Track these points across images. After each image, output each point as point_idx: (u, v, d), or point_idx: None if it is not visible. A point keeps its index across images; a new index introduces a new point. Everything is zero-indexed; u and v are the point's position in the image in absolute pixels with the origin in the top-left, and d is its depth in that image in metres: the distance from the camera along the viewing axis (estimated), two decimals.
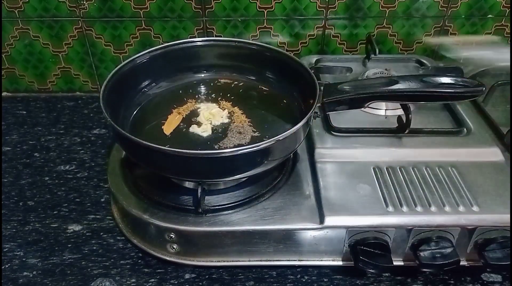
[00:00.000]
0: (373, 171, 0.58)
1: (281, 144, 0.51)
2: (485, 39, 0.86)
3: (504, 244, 0.52)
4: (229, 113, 0.63)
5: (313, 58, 0.82)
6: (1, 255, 0.57)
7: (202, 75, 0.71)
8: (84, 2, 0.80)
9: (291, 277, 0.56)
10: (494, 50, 0.87)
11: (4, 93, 0.91)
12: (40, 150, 0.75)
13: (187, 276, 0.56)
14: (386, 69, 0.73)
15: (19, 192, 0.67)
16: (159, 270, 0.56)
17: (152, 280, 0.55)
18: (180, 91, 0.68)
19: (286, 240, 0.54)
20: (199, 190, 0.52)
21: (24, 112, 0.85)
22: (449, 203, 0.54)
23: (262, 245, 0.54)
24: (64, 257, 0.57)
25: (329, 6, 0.81)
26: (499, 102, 0.72)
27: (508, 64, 0.75)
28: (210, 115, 0.62)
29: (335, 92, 0.56)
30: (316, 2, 0.81)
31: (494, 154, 0.61)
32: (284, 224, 0.53)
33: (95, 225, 0.62)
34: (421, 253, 0.52)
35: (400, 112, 0.65)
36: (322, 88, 0.56)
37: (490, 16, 0.83)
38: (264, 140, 0.49)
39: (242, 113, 0.63)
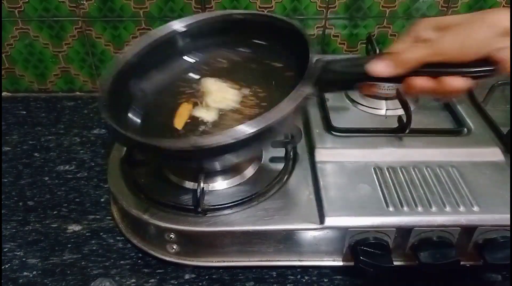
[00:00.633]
0: (373, 171, 0.58)
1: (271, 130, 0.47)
2: None
3: (504, 244, 0.52)
4: (237, 93, 0.59)
5: (313, 58, 0.81)
6: (1, 255, 0.57)
7: (193, 57, 0.65)
8: (84, 2, 0.80)
9: (291, 277, 0.55)
10: None
11: (4, 93, 0.91)
12: (40, 150, 0.75)
13: (187, 276, 0.56)
14: None
15: (19, 192, 0.67)
16: (159, 270, 0.56)
17: (152, 280, 0.55)
18: (177, 80, 0.63)
19: (286, 240, 0.54)
20: (199, 190, 0.52)
21: (24, 112, 0.85)
22: (449, 203, 0.54)
23: (262, 245, 0.54)
24: (64, 257, 0.57)
25: (329, 6, 0.81)
26: (499, 102, 0.72)
27: None
28: (220, 98, 0.58)
29: (328, 72, 0.50)
30: (316, 2, 0.81)
31: (494, 154, 0.61)
32: (284, 224, 0.53)
33: (95, 225, 0.62)
34: (421, 253, 0.52)
35: (401, 112, 0.65)
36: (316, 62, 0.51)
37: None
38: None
39: (249, 93, 0.59)
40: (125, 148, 0.64)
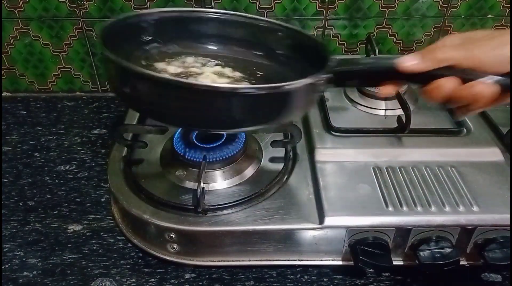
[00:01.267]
0: (373, 171, 0.58)
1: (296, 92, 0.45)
2: None
3: (504, 244, 0.52)
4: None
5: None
6: (1, 255, 0.57)
7: (209, 46, 0.64)
8: (84, 2, 0.80)
9: (291, 276, 0.56)
10: None
11: (4, 93, 0.91)
12: (40, 150, 0.75)
13: (187, 275, 0.56)
14: None
15: (19, 192, 0.67)
16: (159, 270, 0.56)
17: (152, 280, 0.55)
18: (186, 58, 0.62)
19: (286, 240, 0.54)
20: (199, 190, 0.53)
21: (24, 112, 0.85)
22: (449, 203, 0.54)
23: (262, 245, 0.54)
24: (64, 257, 0.57)
25: (329, 6, 0.81)
26: None
27: None
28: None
29: (349, 63, 0.49)
30: (316, 2, 0.81)
31: (494, 154, 0.61)
32: (284, 224, 0.53)
33: (95, 225, 0.62)
34: (421, 253, 0.52)
35: (400, 112, 0.65)
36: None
37: (490, 16, 0.83)
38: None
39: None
40: (125, 148, 0.64)
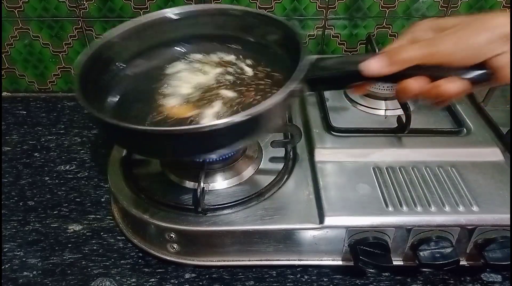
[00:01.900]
0: (373, 171, 0.58)
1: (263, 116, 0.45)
2: None
3: (504, 244, 0.52)
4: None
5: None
6: (1, 255, 0.57)
7: (179, 48, 0.64)
8: (84, 2, 0.80)
9: (291, 276, 0.56)
10: None
11: (4, 93, 0.91)
12: (40, 150, 0.75)
13: (187, 275, 0.56)
14: None
15: (19, 192, 0.67)
16: (159, 270, 0.56)
17: (152, 279, 0.55)
18: (159, 69, 0.61)
19: (286, 240, 0.54)
20: (199, 190, 0.53)
21: (24, 112, 0.85)
22: (449, 203, 0.54)
23: (262, 245, 0.54)
24: (64, 257, 0.57)
25: (329, 6, 0.81)
26: (499, 102, 0.72)
27: None
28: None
29: (318, 69, 0.49)
30: (316, 2, 0.81)
31: (494, 154, 0.61)
32: (284, 224, 0.53)
33: (95, 225, 0.62)
34: (421, 253, 0.52)
35: (400, 112, 0.65)
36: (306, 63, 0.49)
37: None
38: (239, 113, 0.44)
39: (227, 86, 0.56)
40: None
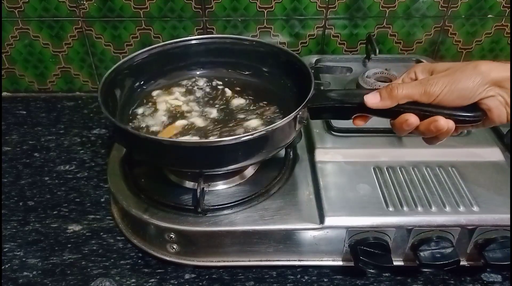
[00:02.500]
0: (373, 171, 0.58)
1: (269, 136, 0.51)
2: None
3: (504, 244, 0.52)
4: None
5: (313, 58, 0.82)
6: (1, 255, 0.57)
7: (198, 72, 0.70)
8: (84, 2, 0.80)
9: (291, 277, 0.56)
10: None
11: (4, 93, 0.91)
12: (40, 150, 0.75)
13: (187, 276, 0.56)
14: (386, 69, 0.73)
15: (19, 192, 0.67)
16: (159, 270, 0.56)
17: (152, 280, 0.55)
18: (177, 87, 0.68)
19: (286, 240, 0.54)
20: (198, 190, 0.52)
21: (24, 112, 0.85)
22: (449, 203, 0.54)
23: (262, 245, 0.54)
24: (64, 257, 0.57)
25: (329, 6, 0.81)
26: None
27: None
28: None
29: (322, 99, 0.53)
30: (316, 2, 0.81)
31: (494, 154, 0.61)
32: (284, 224, 0.53)
33: (95, 225, 0.62)
34: (421, 253, 0.52)
35: None
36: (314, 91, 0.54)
37: (490, 16, 0.83)
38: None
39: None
40: (125, 148, 0.64)
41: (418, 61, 0.82)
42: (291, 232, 0.53)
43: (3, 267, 0.56)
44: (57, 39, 0.84)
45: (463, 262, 0.55)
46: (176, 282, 0.55)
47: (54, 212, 0.64)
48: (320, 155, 0.61)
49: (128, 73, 0.64)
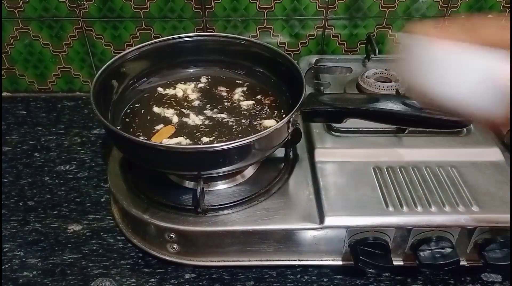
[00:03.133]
0: (373, 171, 0.58)
1: (263, 141, 0.52)
2: None
3: (504, 244, 0.52)
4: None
5: (313, 58, 0.82)
6: (1, 255, 0.57)
7: (191, 70, 0.70)
8: (84, 2, 0.80)
9: (291, 277, 0.56)
10: None
11: (4, 93, 0.91)
12: (40, 150, 0.75)
13: (187, 276, 0.56)
14: (386, 69, 0.73)
15: (19, 192, 0.67)
16: (159, 270, 0.56)
17: (152, 280, 0.55)
18: (171, 87, 0.68)
19: (286, 240, 0.54)
20: (198, 190, 0.52)
21: (24, 112, 0.85)
22: (449, 203, 0.54)
23: (262, 245, 0.54)
24: (64, 257, 0.57)
25: (329, 6, 0.81)
26: None
27: None
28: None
29: (314, 103, 0.55)
30: (316, 2, 0.81)
31: (494, 154, 0.61)
32: (284, 224, 0.53)
33: (95, 225, 0.62)
34: (421, 253, 0.52)
35: None
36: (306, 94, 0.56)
37: (490, 16, 0.83)
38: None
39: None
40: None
41: None
42: (291, 232, 0.53)
43: (3, 267, 0.56)
44: (57, 39, 0.84)
45: (463, 262, 0.55)
46: (176, 282, 0.55)
47: (54, 212, 0.64)
48: (320, 155, 0.61)
49: (119, 73, 0.64)
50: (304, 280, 0.55)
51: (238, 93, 0.66)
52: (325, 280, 0.55)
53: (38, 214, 0.63)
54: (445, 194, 0.55)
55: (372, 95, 0.58)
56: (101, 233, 0.60)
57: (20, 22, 0.82)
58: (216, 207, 0.55)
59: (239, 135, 0.58)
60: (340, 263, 0.56)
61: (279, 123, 0.52)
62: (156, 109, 0.63)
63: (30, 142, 0.77)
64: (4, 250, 0.58)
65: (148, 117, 0.62)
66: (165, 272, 0.56)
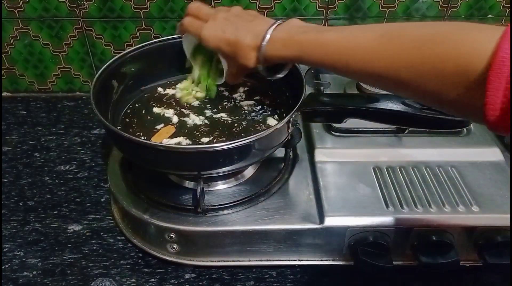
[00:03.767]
0: (373, 171, 0.58)
1: (263, 141, 0.52)
2: None
3: (504, 244, 0.52)
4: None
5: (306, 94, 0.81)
6: (1, 255, 0.57)
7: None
8: (84, 2, 0.80)
9: (291, 277, 0.56)
10: None
11: (4, 93, 0.91)
12: (40, 150, 0.75)
13: (187, 276, 0.56)
14: None
15: (19, 192, 0.67)
16: (159, 270, 0.56)
17: (152, 280, 0.55)
18: (171, 86, 0.68)
19: (286, 240, 0.54)
20: (198, 190, 0.53)
21: (24, 112, 0.85)
22: (449, 203, 0.54)
23: (262, 245, 0.54)
24: (64, 257, 0.57)
25: (329, 6, 0.81)
26: None
27: None
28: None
29: (314, 103, 0.55)
30: (316, 2, 0.81)
31: (494, 154, 0.61)
32: (284, 224, 0.53)
33: (95, 225, 0.62)
34: (421, 253, 0.52)
35: None
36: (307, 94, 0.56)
37: (490, 16, 0.83)
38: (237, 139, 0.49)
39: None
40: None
41: None
42: (291, 232, 0.53)
43: (3, 267, 0.56)
44: (57, 39, 0.84)
45: (463, 262, 0.55)
46: (176, 282, 0.55)
47: (54, 212, 0.64)
48: (320, 155, 0.61)
49: (119, 73, 0.64)
50: (304, 280, 0.55)
51: (238, 93, 0.66)
52: (325, 280, 0.55)
53: (38, 214, 0.63)
54: (445, 194, 0.55)
55: (372, 95, 0.58)
56: (101, 233, 0.60)
57: (20, 22, 0.82)
58: (216, 207, 0.55)
59: (239, 135, 0.58)
60: (340, 263, 0.56)
61: (279, 123, 0.52)
62: (156, 109, 0.63)
63: (30, 142, 0.77)
64: (4, 250, 0.58)
65: (148, 117, 0.62)
66: (165, 272, 0.56)
